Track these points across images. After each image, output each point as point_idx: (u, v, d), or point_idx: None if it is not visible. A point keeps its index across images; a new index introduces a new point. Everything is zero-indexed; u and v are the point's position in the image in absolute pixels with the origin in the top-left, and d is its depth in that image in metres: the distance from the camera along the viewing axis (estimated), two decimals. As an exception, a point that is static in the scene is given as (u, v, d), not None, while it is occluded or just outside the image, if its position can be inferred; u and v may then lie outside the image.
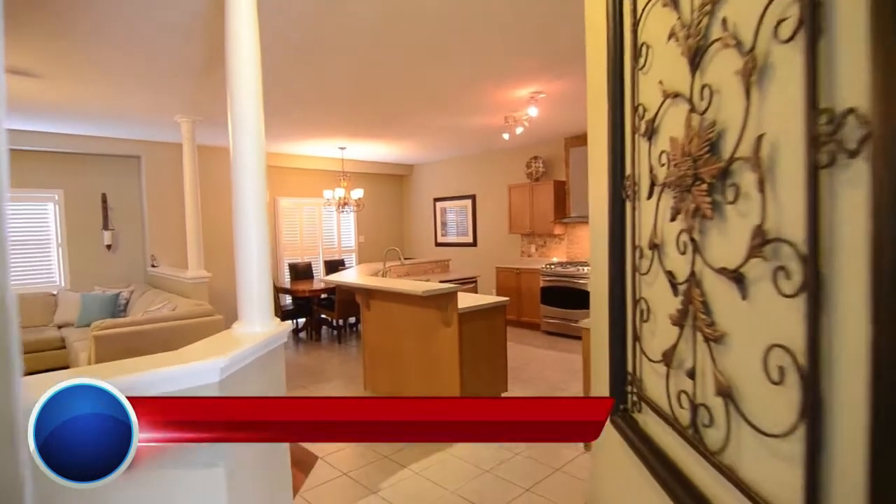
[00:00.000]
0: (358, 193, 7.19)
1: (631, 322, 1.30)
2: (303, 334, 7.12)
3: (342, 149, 7.30)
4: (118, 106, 4.77)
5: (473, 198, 8.54)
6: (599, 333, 1.60)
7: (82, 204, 6.25)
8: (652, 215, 1.15)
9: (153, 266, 6.38)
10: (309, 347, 6.40)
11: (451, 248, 8.97)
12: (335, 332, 6.97)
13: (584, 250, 7.01)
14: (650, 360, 1.19)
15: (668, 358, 1.08)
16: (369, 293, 4.38)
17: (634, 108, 1.24)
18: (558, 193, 7.05)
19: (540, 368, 5.21)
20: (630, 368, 1.33)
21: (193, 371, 1.55)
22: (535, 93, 4.53)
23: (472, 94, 4.60)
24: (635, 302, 1.28)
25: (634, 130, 1.25)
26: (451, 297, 3.62)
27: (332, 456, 3.31)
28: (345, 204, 7.17)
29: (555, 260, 7.27)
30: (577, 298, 6.37)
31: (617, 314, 1.38)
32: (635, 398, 1.29)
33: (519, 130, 5.39)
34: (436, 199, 9.23)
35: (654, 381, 1.19)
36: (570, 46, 3.44)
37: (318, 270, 8.33)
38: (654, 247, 1.14)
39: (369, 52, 3.52)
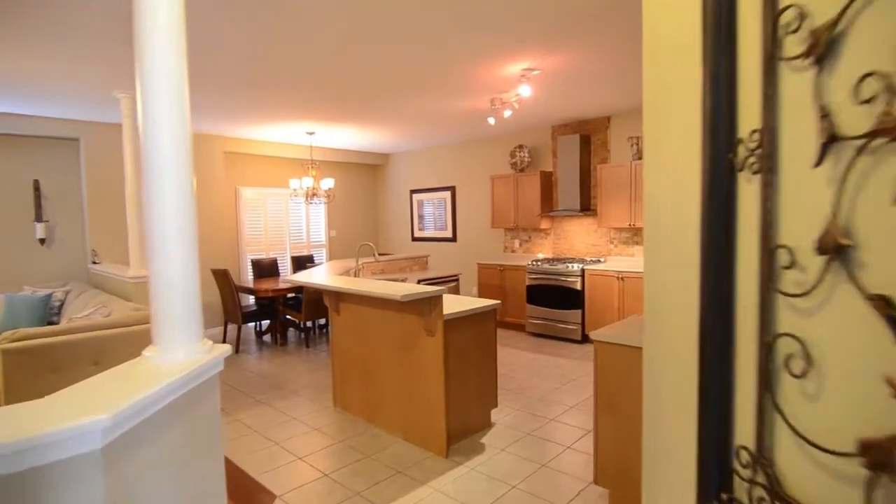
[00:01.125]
0: (328, 183, 6.59)
1: (756, 371, 0.81)
2: (267, 337, 6.50)
3: (311, 134, 6.67)
4: (50, 77, 4.06)
5: (453, 189, 8.03)
6: (668, 371, 1.11)
7: (10, 192, 5.48)
8: (825, 195, 0.66)
9: (94, 262, 5.66)
10: (273, 353, 5.79)
11: (429, 243, 8.45)
12: (303, 335, 6.38)
13: (571, 245, 6.58)
14: (811, 443, 0.70)
15: (877, 455, 0.59)
16: (339, 296, 3.83)
17: (773, 18, 0.75)
18: (545, 185, 6.59)
19: (528, 376, 4.75)
20: (748, 442, 0.84)
21: (53, 440, 0.99)
22: (527, 69, 4.03)
23: (456, 71, 4.07)
24: (765, 341, 0.78)
25: (771, 56, 0.76)
26: (434, 301, 3.11)
27: (294, 493, 2.76)
28: (314, 195, 6.56)
29: (540, 256, 6.83)
30: (564, 297, 5.94)
31: (715, 353, 0.89)
32: (762, 493, 0.80)
33: (507, 113, 4.89)
34: (413, 191, 8.68)
35: (815, 477, 0.70)
36: (574, 6, 2.95)
37: (286, 267, 7.70)
38: (835, 251, 0.65)
39: (340, 22, 2.96)
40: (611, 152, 6.17)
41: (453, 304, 3.39)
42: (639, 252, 5.98)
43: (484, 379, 3.50)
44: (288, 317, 6.10)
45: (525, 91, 4.16)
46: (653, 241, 1.16)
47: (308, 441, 3.42)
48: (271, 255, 7.54)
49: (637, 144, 5.71)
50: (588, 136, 6.30)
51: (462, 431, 3.36)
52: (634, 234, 6.01)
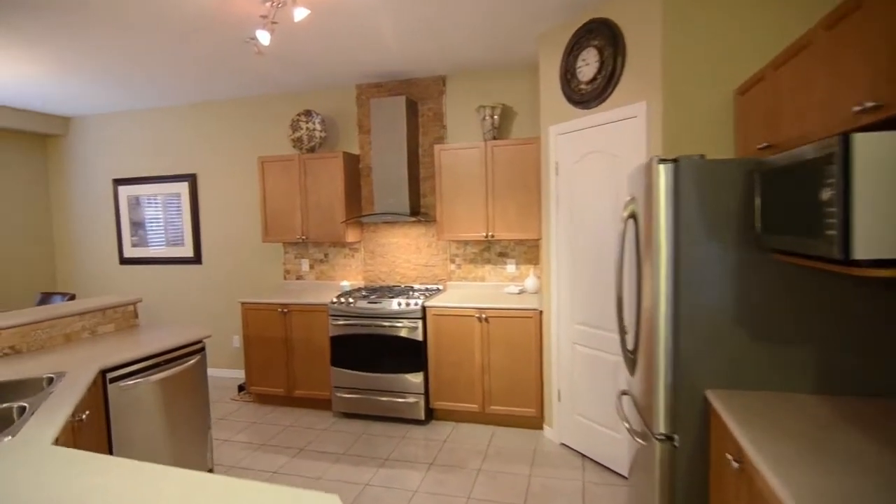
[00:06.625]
0: None
1: None
2: None
3: None
4: None
5: (193, 179, 4.99)
6: None
7: None
8: None
9: None
10: None
11: (156, 267, 5.19)
12: None
13: (393, 267, 4.39)
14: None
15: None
16: None
17: None
18: (350, 175, 4.26)
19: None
20: None
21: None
22: None
23: None
24: None
25: None
26: None
27: None
28: None
29: (347, 286, 4.43)
30: (395, 353, 3.71)
31: None
32: None
33: (300, 14, 2.40)
34: (118, 181, 5.26)
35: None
36: None
37: None
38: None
39: None
40: (447, 128, 4.21)
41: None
42: (492, 274, 4.16)
43: None
44: None
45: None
46: None
47: None
48: None
49: (492, 116, 3.85)
50: (415, 102, 4.21)
51: None
52: (486, 249, 4.16)
